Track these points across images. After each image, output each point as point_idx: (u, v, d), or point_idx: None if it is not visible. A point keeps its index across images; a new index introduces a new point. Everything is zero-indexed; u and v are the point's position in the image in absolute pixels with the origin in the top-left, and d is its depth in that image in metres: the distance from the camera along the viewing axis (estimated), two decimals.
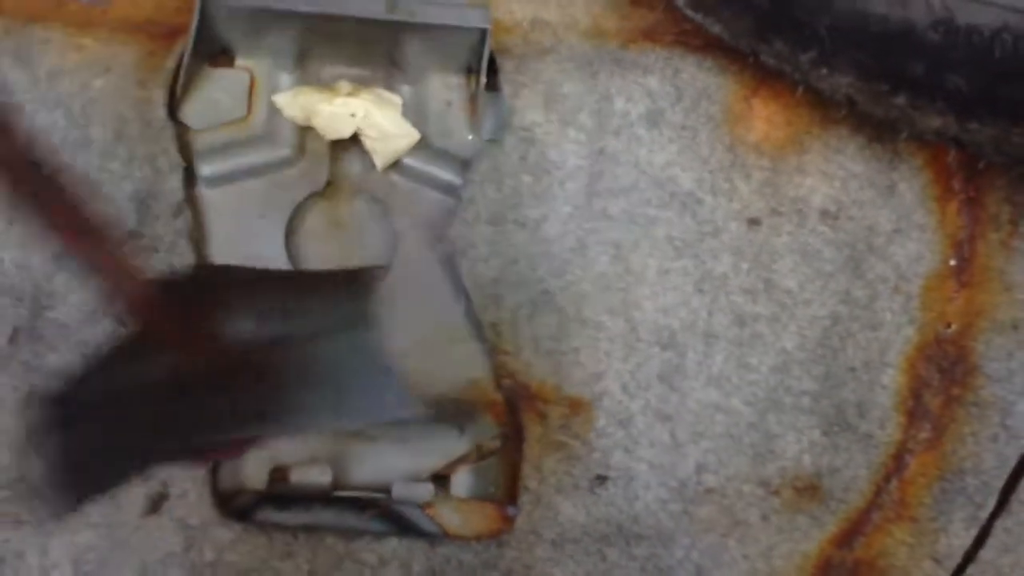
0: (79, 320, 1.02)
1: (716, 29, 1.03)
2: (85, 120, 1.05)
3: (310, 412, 0.78)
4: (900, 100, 0.98)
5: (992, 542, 1.06)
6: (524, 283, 1.06)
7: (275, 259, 1.07)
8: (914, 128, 1.00)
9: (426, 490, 1.02)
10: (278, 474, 1.03)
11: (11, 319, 1.01)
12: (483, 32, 1.05)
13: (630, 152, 1.09)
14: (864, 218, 1.09)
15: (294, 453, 1.03)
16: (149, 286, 0.72)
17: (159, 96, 1.06)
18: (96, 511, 1.01)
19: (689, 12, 1.04)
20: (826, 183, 1.09)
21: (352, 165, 1.10)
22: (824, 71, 0.99)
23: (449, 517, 1.06)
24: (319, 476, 1.01)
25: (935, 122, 0.99)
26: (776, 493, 1.06)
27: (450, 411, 1.05)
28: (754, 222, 1.08)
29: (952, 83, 0.96)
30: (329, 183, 1.10)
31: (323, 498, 1.03)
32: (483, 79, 1.06)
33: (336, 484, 1.02)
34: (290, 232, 1.08)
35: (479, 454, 1.05)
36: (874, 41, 0.95)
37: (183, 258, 1.04)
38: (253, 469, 1.03)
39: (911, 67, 0.95)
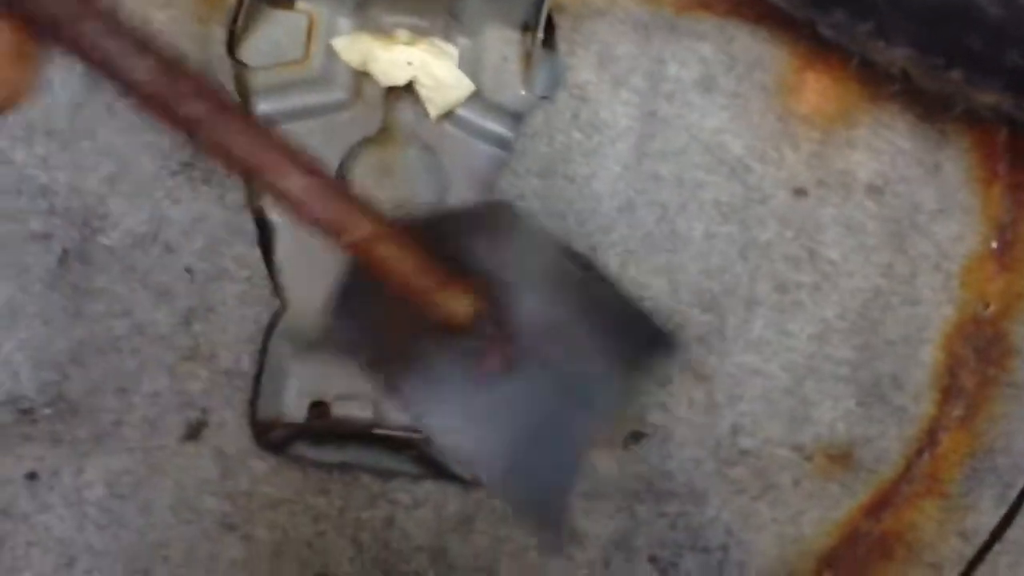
0: (128, 246, 1.03)
1: None
2: None
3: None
4: (956, 75, 0.98)
5: (1019, 521, 1.07)
6: (571, 238, 1.07)
7: None
8: (968, 104, 1.01)
9: None
10: (318, 409, 1.03)
11: (61, 240, 1.02)
12: None
13: (681, 116, 1.10)
14: (909, 195, 1.10)
15: (335, 387, 1.03)
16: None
17: (219, 33, 1.07)
18: (134, 435, 1.02)
19: None
20: (874, 158, 1.10)
21: (405, 113, 1.11)
22: (881, 43, 1.00)
23: None
24: (360, 411, 1.02)
25: (990, 98, 0.99)
26: (809, 459, 1.06)
27: None
28: (801, 192, 1.09)
29: (1010, 60, 0.96)
30: (382, 129, 1.11)
31: (361, 435, 1.04)
32: (540, 35, 1.08)
33: (375, 422, 1.03)
34: (341, 175, 1.09)
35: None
36: (933, 13, 0.96)
37: (234, 193, 1.05)
38: (293, 402, 1.03)
39: (969, 41, 0.96)
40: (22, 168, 1.01)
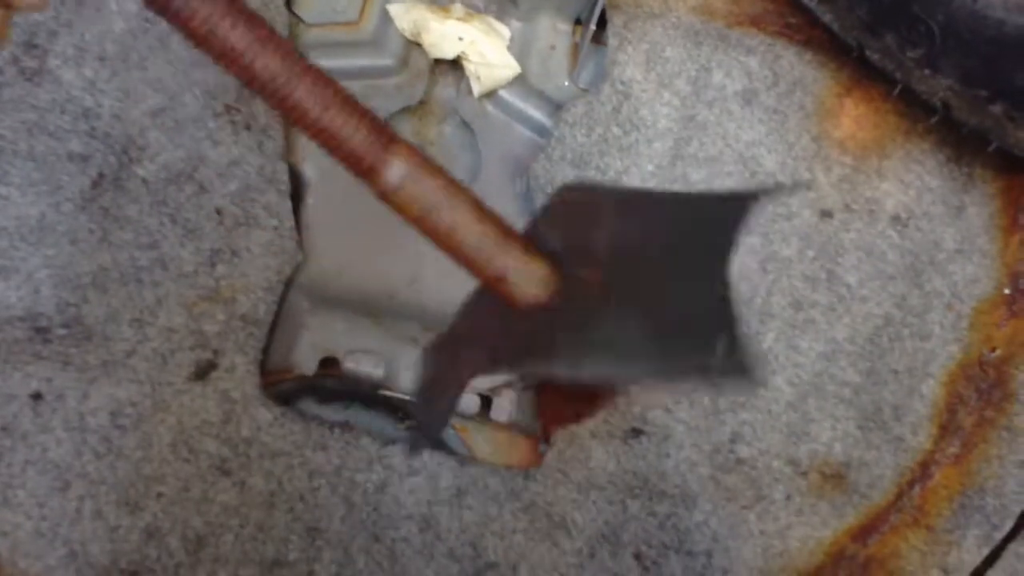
0: (163, 180, 1.04)
1: (827, 18, 1.06)
2: None
3: (621, 349, 0.63)
4: (996, 109, 1.00)
5: (1002, 564, 1.08)
6: None
7: None
8: (1003, 141, 1.03)
9: (472, 402, 1.03)
10: (328, 365, 1.04)
11: (98, 164, 1.03)
12: None
13: (720, 125, 1.11)
14: (931, 231, 1.12)
15: (348, 344, 1.04)
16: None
17: None
18: (144, 367, 1.02)
19: None
20: (902, 190, 1.12)
21: (448, 88, 1.12)
22: (927, 71, 1.02)
23: (480, 444, 1.07)
24: (372, 367, 1.02)
25: None
26: (804, 475, 1.08)
27: None
28: (826, 214, 1.11)
29: None
30: (423, 101, 1.12)
31: (367, 396, 1.04)
32: (592, 28, 1.09)
33: (384, 382, 1.03)
34: None
35: (524, 383, 1.06)
36: (985, 45, 0.97)
37: (274, 140, 1.06)
38: (304, 355, 1.04)
39: (1015, 76, 0.97)
40: (69, 88, 1.02)
